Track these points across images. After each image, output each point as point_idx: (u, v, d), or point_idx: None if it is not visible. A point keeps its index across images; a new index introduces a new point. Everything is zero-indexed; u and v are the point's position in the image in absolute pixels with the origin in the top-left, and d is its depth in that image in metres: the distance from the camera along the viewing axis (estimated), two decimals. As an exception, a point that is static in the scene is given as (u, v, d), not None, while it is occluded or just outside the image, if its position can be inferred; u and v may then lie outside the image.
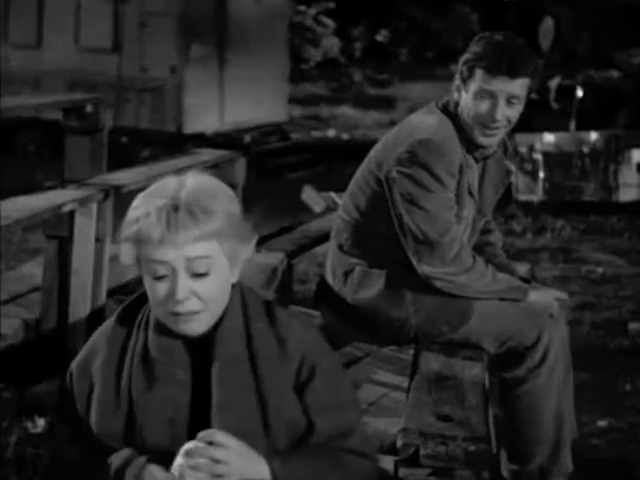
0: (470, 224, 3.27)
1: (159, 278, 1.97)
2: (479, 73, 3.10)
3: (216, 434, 1.94)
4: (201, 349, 2.05)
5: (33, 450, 3.76)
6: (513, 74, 3.07)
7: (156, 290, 1.98)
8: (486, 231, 3.47)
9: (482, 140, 3.16)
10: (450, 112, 3.20)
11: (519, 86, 3.09)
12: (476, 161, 3.23)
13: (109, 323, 2.15)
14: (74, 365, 2.14)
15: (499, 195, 3.39)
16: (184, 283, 1.96)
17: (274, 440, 2.03)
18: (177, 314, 1.99)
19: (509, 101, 3.09)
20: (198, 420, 2.03)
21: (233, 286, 2.08)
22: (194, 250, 1.95)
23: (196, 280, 1.97)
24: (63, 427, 2.15)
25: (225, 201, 2.00)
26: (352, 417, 2.11)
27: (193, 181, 2.00)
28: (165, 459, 1.99)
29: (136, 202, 2.00)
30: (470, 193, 3.20)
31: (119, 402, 2.06)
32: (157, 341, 2.06)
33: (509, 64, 3.06)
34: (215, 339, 2.04)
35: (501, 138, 3.21)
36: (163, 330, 2.04)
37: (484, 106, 3.10)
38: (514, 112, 3.13)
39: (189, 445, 1.95)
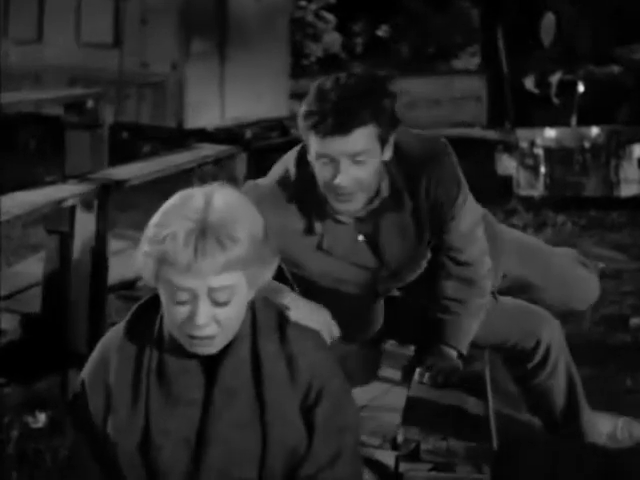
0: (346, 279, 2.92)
1: (180, 303, 1.95)
2: (310, 136, 2.63)
3: None
4: (214, 366, 2.05)
5: (34, 445, 3.77)
6: (343, 130, 2.56)
7: (175, 312, 1.96)
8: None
9: (338, 207, 2.71)
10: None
11: (359, 140, 2.58)
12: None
13: (118, 332, 2.12)
14: (86, 376, 2.11)
15: (416, 241, 2.89)
16: (205, 310, 1.94)
17: (271, 465, 2.03)
18: (194, 337, 1.98)
19: (355, 159, 2.61)
20: (211, 437, 2.03)
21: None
22: (217, 280, 1.93)
23: (217, 307, 1.95)
24: (78, 436, 2.13)
25: (250, 224, 1.97)
26: (348, 442, 2.09)
27: (220, 201, 1.96)
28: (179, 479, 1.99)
29: (159, 218, 1.96)
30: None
31: (135, 420, 2.05)
32: (173, 360, 2.04)
33: (335, 120, 2.55)
34: (221, 365, 2.04)
35: (363, 201, 2.71)
36: (178, 347, 2.03)
37: (327, 172, 2.64)
38: (364, 171, 2.63)
39: None
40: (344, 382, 2.14)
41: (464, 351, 3.00)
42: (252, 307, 2.08)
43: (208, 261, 1.90)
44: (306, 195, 2.76)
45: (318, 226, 2.80)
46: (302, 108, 2.66)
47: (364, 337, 3.11)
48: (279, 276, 2.86)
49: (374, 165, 2.65)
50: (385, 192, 2.78)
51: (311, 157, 2.67)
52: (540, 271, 3.28)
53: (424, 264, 3.00)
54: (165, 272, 1.93)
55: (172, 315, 1.97)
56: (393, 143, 2.69)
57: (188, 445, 2.03)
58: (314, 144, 2.63)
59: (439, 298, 3.01)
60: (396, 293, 3.07)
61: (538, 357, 3.13)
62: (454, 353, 2.99)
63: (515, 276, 3.24)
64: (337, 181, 2.62)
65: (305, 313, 2.47)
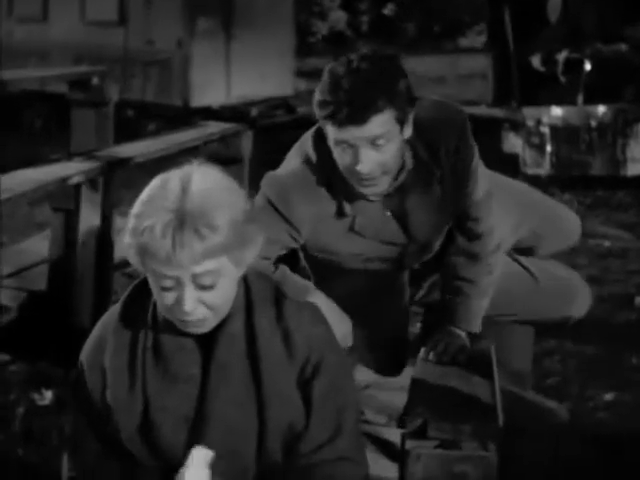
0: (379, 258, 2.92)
1: (166, 289, 1.95)
2: (326, 123, 2.59)
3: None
4: (209, 342, 2.04)
5: (40, 422, 3.78)
6: (360, 120, 2.53)
7: (163, 298, 1.96)
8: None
9: (364, 191, 2.69)
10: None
11: (377, 126, 2.54)
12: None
13: (114, 313, 2.12)
14: (83, 358, 2.12)
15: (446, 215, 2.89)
16: (191, 295, 1.94)
17: (269, 441, 2.03)
18: (185, 321, 1.98)
19: (375, 143, 2.57)
20: (209, 415, 2.03)
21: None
22: (200, 267, 1.92)
23: (203, 291, 1.95)
24: (80, 419, 2.13)
25: (230, 208, 1.94)
26: (348, 419, 2.08)
27: (198, 186, 1.93)
28: (180, 456, 2.00)
29: (138, 208, 1.94)
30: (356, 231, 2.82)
31: (134, 400, 2.05)
32: (169, 338, 2.04)
33: (350, 110, 2.51)
34: (216, 341, 2.03)
35: (388, 181, 2.69)
36: (173, 326, 2.03)
37: (347, 157, 2.60)
38: (385, 154, 2.59)
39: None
40: (343, 358, 2.14)
41: (475, 330, 3.00)
42: (245, 281, 2.07)
43: (186, 252, 1.89)
44: (332, 178, 2.74)
45: (348, 208, 2.77)
46: (316, 96, 2.62)
47: (393, 314, 3.09)
48: (290, 263, 2.87)
49: (394, 146, 2.61)
50: (409, 165, 2.76)
51: (330, 143, 2.64)
52: (540, 218, 3.28)
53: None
54: (148, 262, 1.93)
55: (161, 300, 1.97)
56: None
57: (187, 422, 2.03)
58: (331, 132, 2.59)
59: (449, 277, 2.99)
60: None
61: (564, 327, 3.17)
62: (463, 333, 2.99)
63: (526, 228, 3.24)
64: (358, 168, 2.59)
65: (327, 315, 2.51)
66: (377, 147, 2.58)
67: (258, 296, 2.08)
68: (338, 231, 2.81)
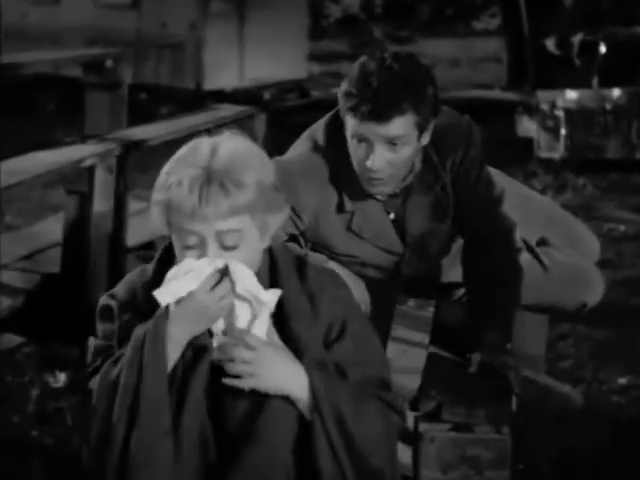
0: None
1: (189, 247, 1.96)
2: (348, 114, 2.62)
3: (246, 334, 1.94)
4: None
5: (54, 404, 3.79)
6: (382, 118, 2.55)
7: (186, 257, 1.97)
8: None
9: (371, 190, 2.73)
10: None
11: (397, 127, 2.57)
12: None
13: (149, 267, 2.10)
14: (114, 302, 2.07)
15: (444, 223, 2.90)
16: (214, 255, 1.95)
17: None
18: None
19: (392, 142, 2.60)
20: None
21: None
22: (224, 224, 1.93)
23: (226, 251, 1.96)
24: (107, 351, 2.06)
25: (258, 171, 1.97)
26: (383, 372, 2.09)
27: (226, 147, 1.97)
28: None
29: (168, 166, 1.98)
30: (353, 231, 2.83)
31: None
32: None
33: (374, 107, 2.54)
34: None
35: (395, 183, 2.72)
36: None
37: (360, 152, 2.63)
38: (398, 156, 2.62)
39: (222, 339, 1.95)
40: (366, 320, 2.15)
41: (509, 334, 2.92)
42: (270, 253, 2.08)
43: (212, 207, 1.91)
44: (339, 170, 2.75)
45: (349, 203, 2.79)
46: (343, 86, 2.65)
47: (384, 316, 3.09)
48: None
49: (409, 150, 2.64)
50: (417, 168, 2.78)
51: (347, 133, 2.66)
52: (559, 234, 3.28)
53: (452, 247, 3.01)
54: (172, 218, 1.95)
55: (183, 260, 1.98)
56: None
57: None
58: (351, 124, 2.61)
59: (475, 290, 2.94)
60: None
61: (579, 315, 3.16)
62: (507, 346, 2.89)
63: (538, 239, 3.25)
64: (369, 163, 2.62)
65: None
66: (392, 147, 2.61)
67: (282, 263, 2.09)
68: (336, 227, 2.82)
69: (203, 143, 1.99)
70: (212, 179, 1.92)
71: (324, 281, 2.10)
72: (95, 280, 4.45)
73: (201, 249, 1.95)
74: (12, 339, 4.33)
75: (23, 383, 3.98)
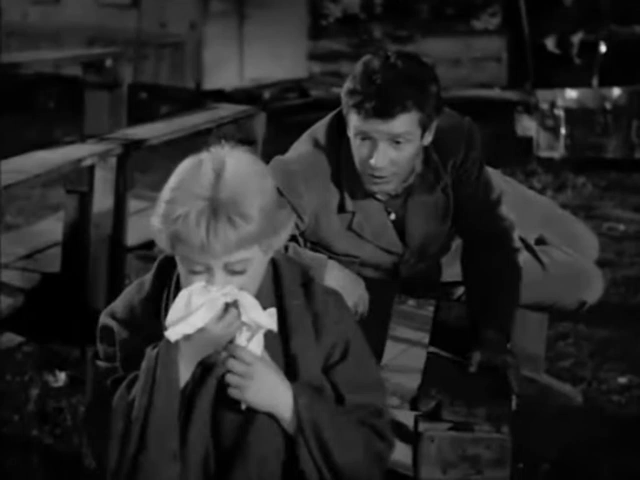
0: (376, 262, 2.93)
1: (195, 272, 1.95)
2: (351, 112, 2.63)
3: (239, 349, 1.94)
4: None
5: (54, 404, 3.79)
6: (386, 115, 2.57)
7: (192, 281, 1.96)
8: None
9: (373, 188, 2.73)
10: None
11: (401, 124, 2.59)
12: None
13: (147, 281, 2.10)
14: (114, 322, 2.07)
15: (443, 225, 2.92)
16: (221, 281, 1.94)
17: None
18: None
19: (395, 140, 2.61)
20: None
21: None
22: (232, 257, 1.92)
23: (233, 276, 1.95)
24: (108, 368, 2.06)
25: (263, 195, 1.94)
26: (379, 398, 2.10)
27: (230, 171, 1.92)
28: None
29: (171, 194, 1.93)
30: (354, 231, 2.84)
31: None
32: None
33: (378, 104, 2.56)
34: None
35: (397, 183, 2.73)
36: None
37: (364, 150, 2.64)
38: (401, 153, 2.63)
39: (223, 354, 1.96)
40: (365, 344, 2.14)
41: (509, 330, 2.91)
42: (274, 263, 2.08)
43: (220, 242, 1.89)
44: (340, 170, 2.76)
45: (350, 203, 2.79)
46: (346, 84, 2.65)
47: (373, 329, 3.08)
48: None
49: (412, 149, 2.65)
50: (419, 169, 2.79)
51: (350, 132, 2.66)
52: (558, 234, 3.29)
53: (451, 245, 3.03)
54: (180, 248, 1.94)
55: (188, 283, 1.97)
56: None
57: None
58: (354, 121, 2.62)
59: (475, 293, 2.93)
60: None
61: (578, 313, 3.17)
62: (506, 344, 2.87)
63: (536, 238, 3.25)
64: (372, 161, 2.62)
65: (343, 283, 2.59)
66: (396, 145, 2.62)
67: (287, 278, 2.08)
68: (336, 227, 2.82)
69: (204, 165, 1.94)
70: (219, 213, 1.88)
71: (329, 301, 2.10)
72: (95, 279, 4.45)
73: (208, 275, 1.94)
74: (12, 338, 4.33)
75: (23, 382, 3.98)
